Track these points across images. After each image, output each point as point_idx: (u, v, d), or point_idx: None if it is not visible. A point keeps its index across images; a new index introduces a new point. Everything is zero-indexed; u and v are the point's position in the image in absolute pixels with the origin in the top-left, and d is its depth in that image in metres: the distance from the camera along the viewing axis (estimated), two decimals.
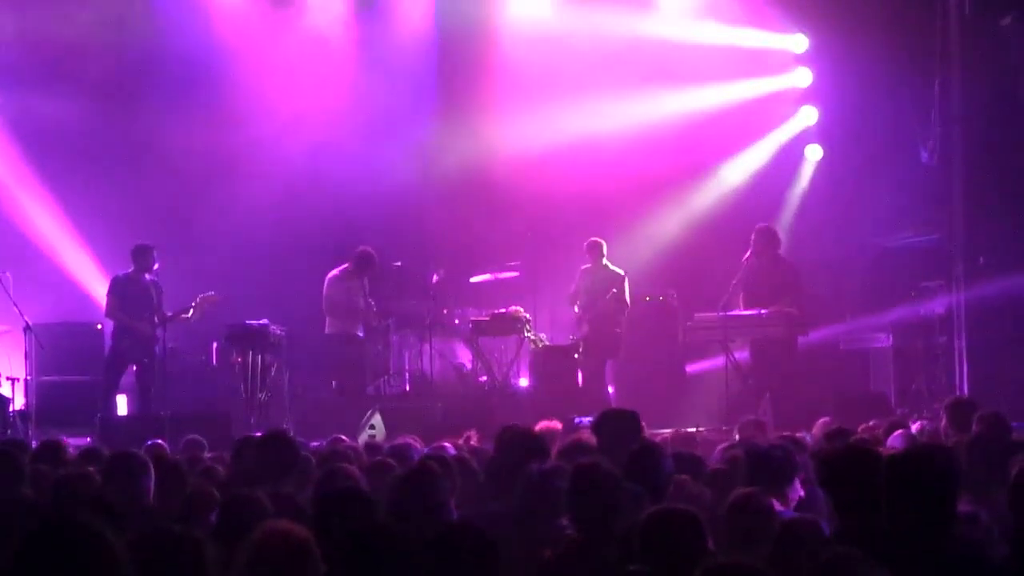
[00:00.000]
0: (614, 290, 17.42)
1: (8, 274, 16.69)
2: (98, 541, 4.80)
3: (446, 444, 10.61)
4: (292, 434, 10.34)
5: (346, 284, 17.50)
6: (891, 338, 17.95)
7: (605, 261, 17.77)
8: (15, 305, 16.34)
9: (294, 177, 19.42)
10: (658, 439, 10.65)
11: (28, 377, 16.87)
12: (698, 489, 7.67)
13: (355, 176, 19.33)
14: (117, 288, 16.69)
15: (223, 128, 19.41)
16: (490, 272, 19.20)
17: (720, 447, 9.91)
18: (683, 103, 19.64)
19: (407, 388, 18.49)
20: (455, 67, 20.17)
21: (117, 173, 19.18)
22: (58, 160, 19.03)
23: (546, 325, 18.79)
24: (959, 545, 5.95)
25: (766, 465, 7.79)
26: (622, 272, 17.76)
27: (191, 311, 16.74)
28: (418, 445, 10.49)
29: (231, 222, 19.01)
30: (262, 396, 16.92)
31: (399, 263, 17.67)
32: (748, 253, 16.84)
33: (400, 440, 10.69)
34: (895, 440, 10.65)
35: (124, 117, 19.25)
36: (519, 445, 8.38)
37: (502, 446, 8.70)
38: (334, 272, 17.57)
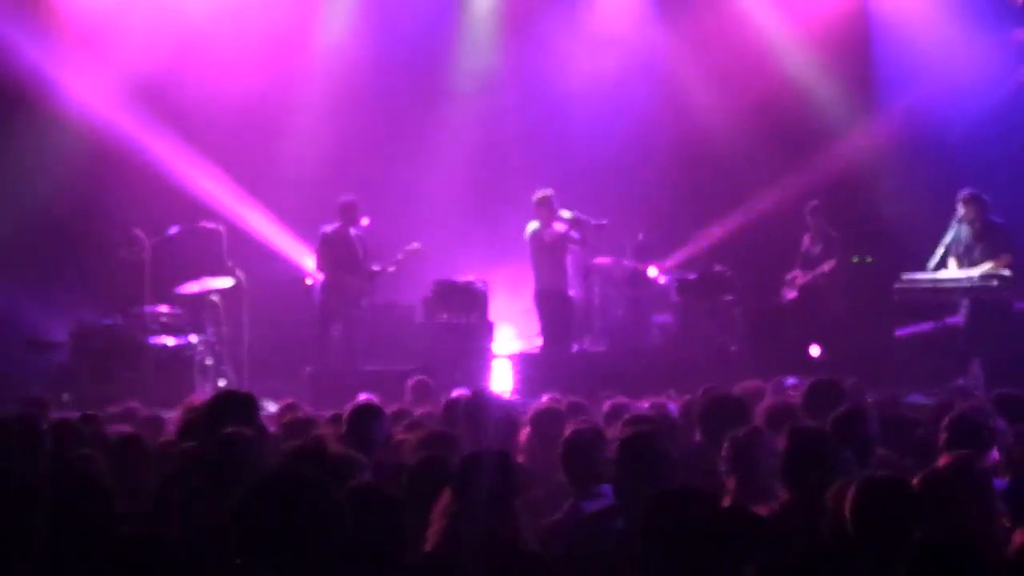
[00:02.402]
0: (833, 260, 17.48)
1: (222, 228, 16.96)
2: (318, 493, 4.95)
3: (669, 403, 10.57)
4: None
5: (542, 232, 17.10)
6: None
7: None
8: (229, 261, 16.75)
9: (497, 128, 19.73)
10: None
11: (242, 332, 17.13)
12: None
13: (554, 133, 19.64)
14: (325, 243, 16.91)
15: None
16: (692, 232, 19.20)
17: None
18: None
19: (609, 346, 18.42)
20: None
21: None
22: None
23: (753, 286, 18.63)
24: None
25: (963, 428, 7.60)
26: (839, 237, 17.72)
27: (394, 265, 16.98)
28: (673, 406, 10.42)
29: (431, 174, 19.24)
30: None
31: (605, 221, 17.50)
32: (959, 215, 16.40)
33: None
34: None
35: None
36: (719, 406, 8.39)
37: (703, 408, 8.69)
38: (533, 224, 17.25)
